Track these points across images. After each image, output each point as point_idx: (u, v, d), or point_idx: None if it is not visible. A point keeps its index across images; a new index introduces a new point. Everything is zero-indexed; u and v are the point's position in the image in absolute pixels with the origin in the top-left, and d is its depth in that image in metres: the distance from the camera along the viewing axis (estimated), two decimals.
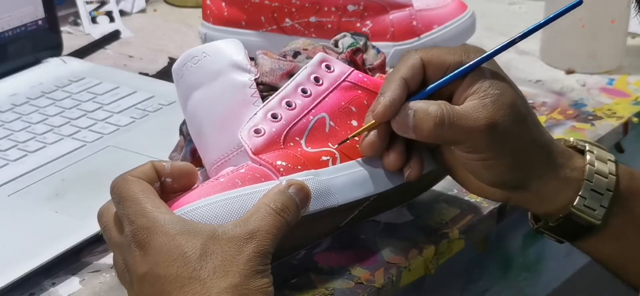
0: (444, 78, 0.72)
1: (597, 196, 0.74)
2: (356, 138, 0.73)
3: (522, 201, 0.75)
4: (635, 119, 1.04)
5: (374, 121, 0.72)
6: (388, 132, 0.73)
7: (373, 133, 0.72)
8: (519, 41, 0.73)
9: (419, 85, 0.73)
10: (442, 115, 0.70)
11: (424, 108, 0.70)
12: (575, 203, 0.73)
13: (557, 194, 0.74)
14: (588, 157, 0.75)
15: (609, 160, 0.75)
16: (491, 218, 0.85)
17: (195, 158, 0.76)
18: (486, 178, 0.73)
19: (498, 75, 0.72)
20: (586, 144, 0.76)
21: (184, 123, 0.78)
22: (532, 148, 0.73)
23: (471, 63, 0.72)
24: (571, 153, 0.75)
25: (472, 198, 0.85)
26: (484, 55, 0.72)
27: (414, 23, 1.12)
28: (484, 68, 0.72)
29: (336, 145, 0.73)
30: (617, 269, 0.77)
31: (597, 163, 0.74)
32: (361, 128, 0.73)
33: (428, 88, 0.72)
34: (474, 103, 0.71)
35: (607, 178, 0.74)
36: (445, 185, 0.86)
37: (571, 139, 0.78)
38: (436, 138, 0.71)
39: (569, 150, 0.75)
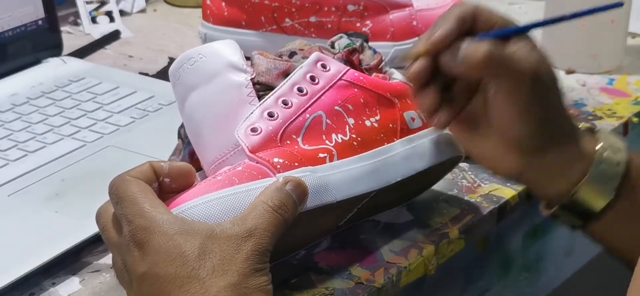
0: (510, 28, 0.74)
1: (605, 177, 0.75)
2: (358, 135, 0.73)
3: (535, 175, 0.76)
4: (635, 119, 1.04)
5: (426, 48, 0.73)
6: (432, 67, 0.73)
7: (420, 62, 0.73)
8: (561, 22, 0.80)
9: (466, 32, 0.74)
10: (492, 47, 0.71)
11: (475, 42, 0.72)
12: (586, 177, 0.75)
13: (569, 167, 0.75)
14: (599, 137, 0.77)
15: (619, 142, 0.77)
16: (491, 218, 0.85)
17: (193, 160, 0.76)
18: (515, 131, 0.73)
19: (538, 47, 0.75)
20: (596, 124, 0.79)
21: (182, 126, 0.78)
22: (561, 113, 0.75)
23: (530, 24, 0.74)
24: (583, 132, 0.77)
25: (472, 198, 0.85)
26: (540, 20, 0.78)
27: (414, 23, 1.12)
28: (529, 36, 0.75)
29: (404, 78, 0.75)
30: (627, 255, 0.77)
31: (608, 142, 0.76)
32: (413, 52, 0.73)
33: (490, 33, 0.73)
34: (522, 53, 0.72)
35: (617, 159, 0.75)
36: (445, 185, 0.86)
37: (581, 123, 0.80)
38: (486, 67, 0.72)
39: (580, 129, 0.77)
